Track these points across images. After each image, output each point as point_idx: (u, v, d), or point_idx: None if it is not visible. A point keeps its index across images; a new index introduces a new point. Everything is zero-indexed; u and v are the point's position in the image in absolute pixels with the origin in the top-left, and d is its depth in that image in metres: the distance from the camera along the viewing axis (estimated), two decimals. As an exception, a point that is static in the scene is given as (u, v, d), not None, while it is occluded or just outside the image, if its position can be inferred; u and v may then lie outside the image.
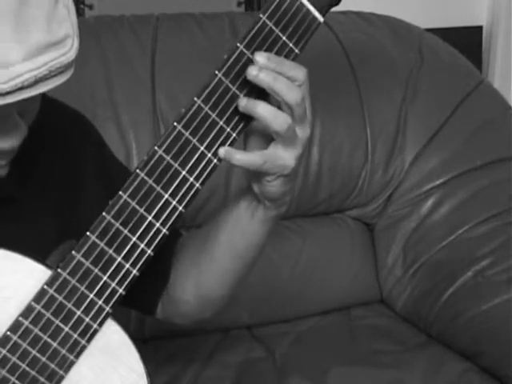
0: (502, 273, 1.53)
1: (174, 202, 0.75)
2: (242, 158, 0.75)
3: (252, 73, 0.72)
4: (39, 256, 0.74)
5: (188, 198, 0.76)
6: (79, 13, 2.64)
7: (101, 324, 0.75)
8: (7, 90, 0.62)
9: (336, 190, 1.67)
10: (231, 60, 0.74)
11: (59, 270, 0.73)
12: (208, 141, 0.75)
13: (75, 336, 0.74)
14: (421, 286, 1.63)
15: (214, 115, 0.74)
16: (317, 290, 1.66)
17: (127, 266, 0.75)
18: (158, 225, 0.75)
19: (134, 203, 0.74)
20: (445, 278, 1.59)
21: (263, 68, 0.72)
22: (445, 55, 1.81)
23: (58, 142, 0.89)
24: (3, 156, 0.73)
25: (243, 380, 1.40)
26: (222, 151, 0.75)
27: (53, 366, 0.74)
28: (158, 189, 0.74)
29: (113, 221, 0.73)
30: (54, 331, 0.73)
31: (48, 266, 0.73)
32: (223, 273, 0.91)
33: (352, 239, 1.71)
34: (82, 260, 0.73)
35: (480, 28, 2.55)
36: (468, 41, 2.46)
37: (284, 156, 0.76)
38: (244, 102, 0.74)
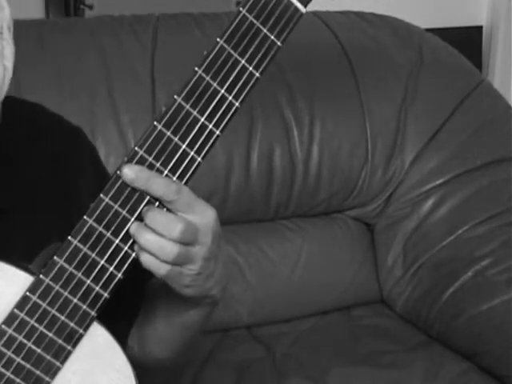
0: (502, 273, 1.53)
1: (158, 202, 0.73)
2: (149, 260, 0.73)
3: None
4: (23, 262, 0.73)
5: None
6: (79, 13, 2.63)
7: (86, 328, 0.73)
8: None
9: (336, 190, 1.67)
10: (211, 56, 0.73)
11: (41, 276, 0.71)
12: (190, 139, 0.73)
13: (60, 342, 0.73)
14: (421, 286, 1.63)
15: (195, 112, 0.73)
16: (317, 290, 1.65)
17: (111, 269, 0.73)
18: None
19: (116, 206, 0.72)
20: (445, 278, 1.59)
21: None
22: (445, 55, 1.81)
23: (54, 156, 0.88)
24: None
25: (243, 380, 1.40)
26: (136, 245, 0.73)
27: (38, 372, 0.72)
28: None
29: (95, 224, 0.72)
30: (38, 338, 0.72)
31: (31, 273, 0.72)
32: (160, 342, 0.91)
33: (352, 239, 1.71)
34: (65, 265, 0.72)
35: (480, 28, 2.55)
36: (468, 41, 2.46)
37: (183, 271, 0.75)
38: (133, 229, 0.73)
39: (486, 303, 1.49)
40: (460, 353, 1.50)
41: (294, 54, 1.51)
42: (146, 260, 0.73)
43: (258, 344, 1.53)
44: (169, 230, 0.71)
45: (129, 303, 0.90)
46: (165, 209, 0.73)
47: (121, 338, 0.80)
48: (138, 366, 0.79)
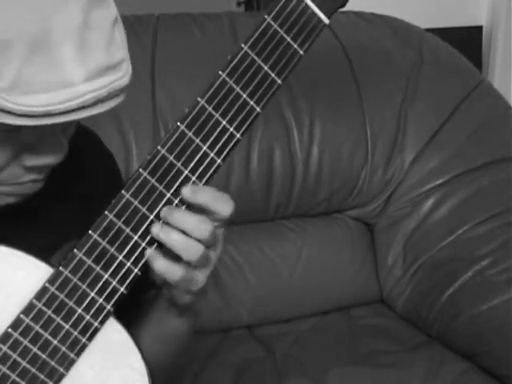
0: (502, 273, 1.53)
1: (177, 201, 0.75)
2: (163, 266, 0.74)
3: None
4: (43, 255, 0.75)
5: None
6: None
7: (102, 322, 0.75)
8: (71, 108, 0.65)
9: (336, 189, 1.67)
10: (235, 61, 0.75)
11: (61, 268, 0.73)
12: (211, 140, 0.75)
13: (76, 334, 0.74)
14: (421, 286, 1.63)
15: (217, 115, 0.75)
16: (317, 290, 1.66)
17: (128, 264, 0.75)
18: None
19: (136, 202, 0.74)
20: (445, 278, 1.59)
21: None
22: (445, 55, 1.81)
23: (74, 160, 0.89)
24: (43, 171, 0.75)
25: (243, 380, 1.40)
26: (148, 251, 0.75)
27: (53, 363, 0.74)
28: (161, 188, 0.74)
29: (115, 219, 0.73)
30: (54, 329, 0.73)
31: (51, 264, 0.73)
32: (150, 356, 0.90)
33: (352, 239, 1.71)
34: (84, 258, 0.73)
35: (480, 28, 2.55)
36: (468, 41, 2.45)
37: (196, 275, 0.76)
38: (157, 229, 0.74)
39: (486, 303, 1.49)
40: (460, 353, 1.50)
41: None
42: (161, 266, 0.74)
43: (258, 344, 1.53)
44: (200, 230, 0.73)
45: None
46: (183, 206, 0.75)
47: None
48: None
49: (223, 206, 0.76)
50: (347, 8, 1.96)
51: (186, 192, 0.74)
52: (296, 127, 1.62)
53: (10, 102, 0.63)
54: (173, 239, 0.73)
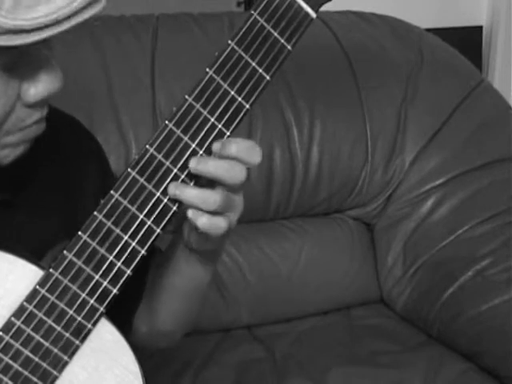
0: (502, 273, 1.53)
1: (166, 200, 0.74)
2: (206, 221, 0.74)
3: (191, 165, 0.74)
4: (33, 258, 0.74)
5: None
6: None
7: (94, 324, 0.74)
8: (72, 12, 0.66)
9: (336, 189, 1.67)
10: (222, 57, 0.74)
11: (51, 270, 0.72)
12: (200, 138, 0.74)
13: (68, 336, 0.73)
14: (421, 286, 1.63)
15: (205, 112, 0.74)
16: (317, 290, 1.66)
17: (119, 265, 0.74)
18: (149, 223, 0.74)
19: (125, 202, 0.73)
20: (445, 278, 1.59)
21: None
22: (445, 55, 1.81)
23: (62, 155, 0.89)
24: (44, 105, 0.74)
25: (243, 380, 1.40)
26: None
27: (46, 366, 0.73)
28: (150, 187, 0.74)
29: (104, 220, 0.73)
30: (46, 331, 0.73)
31: (41, 267, 0.73)
32: (172, 312, 0.93)
33: (352, 239, 1.71)
34: (74, 259, 0.73)
35: (480, 28, 2.55)
36: (468, 41, 2.46)
37: (234, 198, 0.77)
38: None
39: (486, 303, 1.49)
40: (460, 353, 1.50)
41: (294, 54, 1.50)
42: (204, 221, 0.74)
43: (258, 344, 1.53)
44: (208, 204, 0.73)
45: (130, 292, 0.91)
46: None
47: (122, 326, 0.81)
48: (146, 349, 0.79)
49: (254, 155, 0.75)
50: (347, 8, 1.96)
51: (216, 147, 0.74)
52: (296, 127, 1.62)
53: (19, 19, 0.64)
54: (189, 193, 0.73)
